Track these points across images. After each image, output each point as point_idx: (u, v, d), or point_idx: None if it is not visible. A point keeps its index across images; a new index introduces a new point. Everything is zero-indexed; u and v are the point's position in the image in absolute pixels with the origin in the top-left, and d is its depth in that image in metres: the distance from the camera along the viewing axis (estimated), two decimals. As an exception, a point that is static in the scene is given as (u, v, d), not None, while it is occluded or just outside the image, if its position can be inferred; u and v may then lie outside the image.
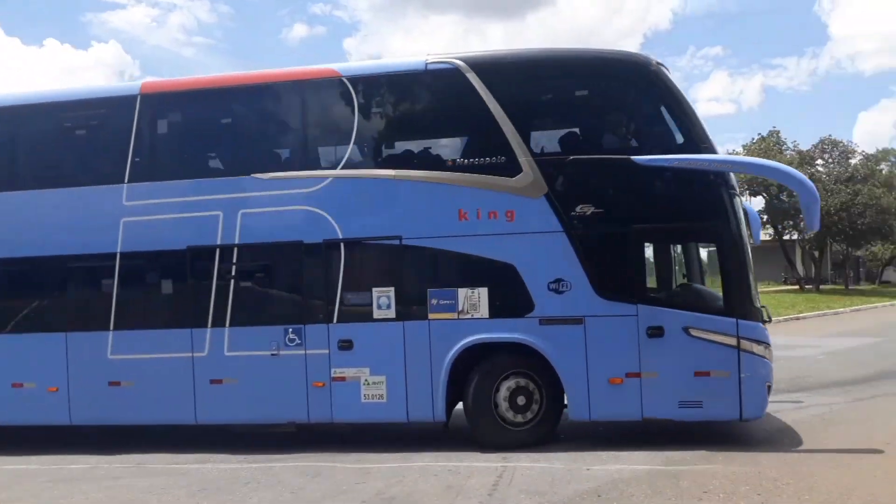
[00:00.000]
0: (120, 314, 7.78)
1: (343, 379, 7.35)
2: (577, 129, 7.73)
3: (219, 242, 7.67)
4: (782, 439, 7.10)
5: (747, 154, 41.66)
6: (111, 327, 7.78)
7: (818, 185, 46.12)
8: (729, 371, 6.76)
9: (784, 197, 44.44)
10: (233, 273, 7.70)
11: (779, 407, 8.69)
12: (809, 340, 17.10)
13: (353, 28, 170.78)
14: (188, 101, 8.35)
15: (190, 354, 7.63)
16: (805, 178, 7.52)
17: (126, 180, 7.83)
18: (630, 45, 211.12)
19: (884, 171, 47.58)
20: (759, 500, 5.24)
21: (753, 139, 47.87)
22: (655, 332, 6.90)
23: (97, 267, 7.97)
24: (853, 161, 47.57)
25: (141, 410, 7.71)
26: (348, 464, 6.76)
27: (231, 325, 7.60)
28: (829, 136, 50.98)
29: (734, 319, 6.82)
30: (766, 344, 6.93)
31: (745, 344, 6.78)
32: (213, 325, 7.63)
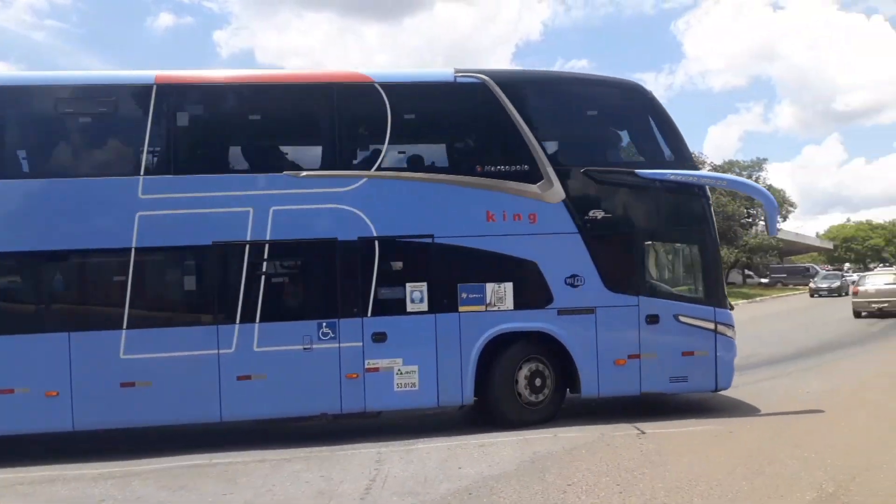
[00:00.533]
0: (134, 312, 7.45)
1: (377, 370, 7.74)
2: (588, 144, 8.83)
3: (248, 238, 7.65)
4: (644, 431, 7.52)
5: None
6: (124, 326, 7.40)
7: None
8: (708, 350, 8.27)
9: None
10: (264, 269, 7.73)
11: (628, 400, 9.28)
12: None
13: (223, 20, 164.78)
14: (211, 96, 8.22)
15: (216, 352, 7.50)
16: (767, 191, 9.46)
17: (142, 173, 7.58)
18: (503, 53, 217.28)
19: (729, 181, 51.70)
20: (617, 489, 5.54)
21: (617, 148, 50.70)
22: (653, 319, 8.18)
23: (107, 263, 7.66)
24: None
25: (158, 411, 7.43)
26: (216, 471, 6.50)
27: (261, 320, 7.60)
28: (683, 147, 54.70)
29: (712, 308, 8.37)
30: (734, 327, 8.51)
31: (720, 328, 8.32)
32: (242, 322, 7.56)
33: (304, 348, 7.63)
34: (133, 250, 7.44)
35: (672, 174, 8.30)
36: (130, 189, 7.48)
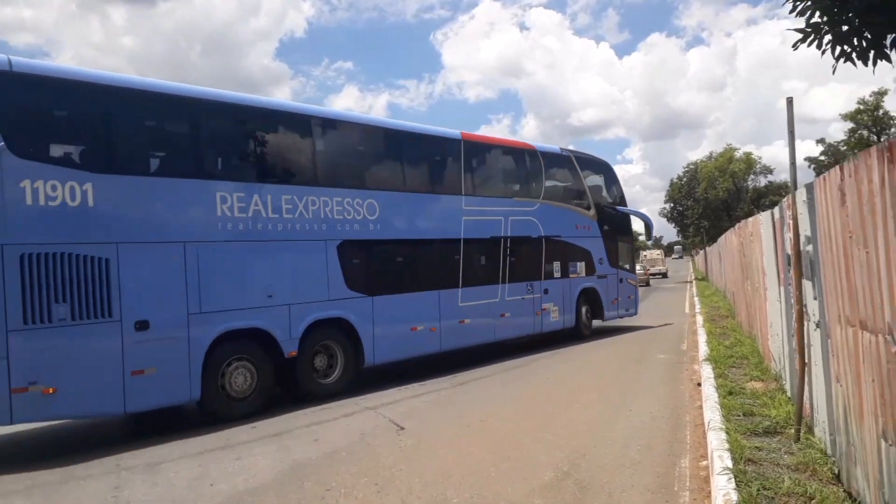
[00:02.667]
0: (464, 277, 12.45)
1: (545, 310, 14.55)
2: (602, 192, 16.89)
3: (502, 235, 13.40)
4: (404, 427, 7.71)
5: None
6: (460, 285, 12.38)
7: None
8: (632, 294, 17.67)
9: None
10: (508, 252, 13.49)
11: (401, 395, 9.49)
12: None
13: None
14: (492, 153, 14.14)
15: (493, 300, 13.16)
16: (645, 213, 20.81)
17: (463, 193, 12.62)
18: (266, 48, 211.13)
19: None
20: (376, 489, 5.57)
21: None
22: (621, 280, 17.00)
23: (452, 247, 12.36)
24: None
25: (472, 338, 12.70)
26: None
27: (504, 282, 13.40)
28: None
29: (634, 273, 18.03)
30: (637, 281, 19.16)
31: (633, 281, 17.85)
32: (501, 282, 13.34)
33: (522, 298, 13.88)
34: (462, 240, 12.49)
35: (623, 209, 17.47)
36: (459, 203, 12.52)
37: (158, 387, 7.88)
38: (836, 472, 4.87)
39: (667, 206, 62.64)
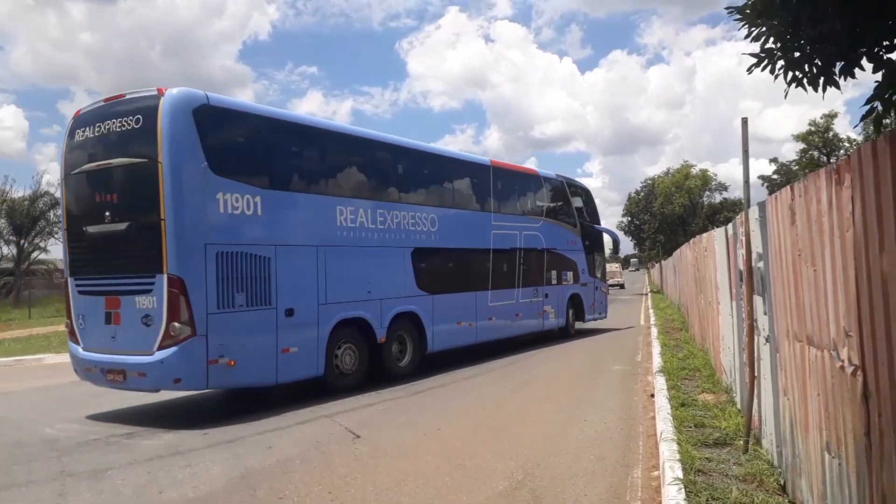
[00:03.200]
0: (492, 282, 14.73)
1: (545, 312, 17.01)
2: (581, 213, 19.05)
3: (517, 247, 15.77)
4: (359, 434, 7.65)
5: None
6: (489, 288, 14.65)
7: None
8: (604, 301, 20.68)
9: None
10: (522, 262, 15.81)
11: (358, 403, 9.42)
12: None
13: None
14: (511, 177, 16.34)
15: (511, 302, 15.47)
16: (612, 230, 24.55)
17: (492, 211, 15.05)
18: (229, 50, 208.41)
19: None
20: (330, 497, 5.50)
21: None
22: (597, 288, 19.91)
23: (483, 255, 14.60)
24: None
25: (496, 333, 15.04)
26: None
27: (519, 286, 15.73)
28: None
29: (605, 283, 21.42)
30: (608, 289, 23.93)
31: (605, 290, 21.07)
32: (517, 287, 15.67)
33: (531, 301, 16.24)
34: (491, 250, 14.72)
35: (598, 227, 20.49)
36: (489, 219, 14.82)
37: (298, 363, 9.75)
38: (782, 483, 5.00)
39: (624, 219, 63.67)
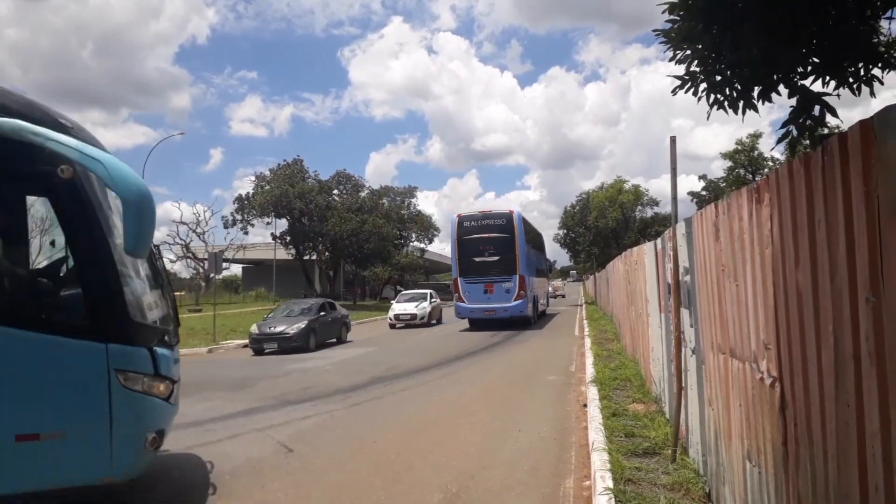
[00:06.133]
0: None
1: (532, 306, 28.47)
2: (538, 239, 35.26)
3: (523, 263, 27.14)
4: (292, 449, 7.50)
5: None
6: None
7: (334, 213, 51.22)
8: (547, 297, 39.65)
9: (305, 220, 47.95)
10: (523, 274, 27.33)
11: (291, 416, 9.25)
12: (318, 353, 18.75)
13: None
14: (519, 218, 26.10)
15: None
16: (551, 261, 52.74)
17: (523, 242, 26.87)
18: (165, 52, 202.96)
19: (385, 205, 55.73)
20: (260, 515, 5.38)
21: (280, 164, 51.09)
22: (547, 290, 39.97)
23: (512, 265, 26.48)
24: (362, 194, 54.63)
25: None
26: None
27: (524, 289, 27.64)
28: (345, 169, 57.92)
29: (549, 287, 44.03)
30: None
31: (549, 291, 46.86)
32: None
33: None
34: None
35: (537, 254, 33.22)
36: (525, 248, 26.82)
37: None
38: (708, 491, 5.16)
39: (561, 232, 64.87)
